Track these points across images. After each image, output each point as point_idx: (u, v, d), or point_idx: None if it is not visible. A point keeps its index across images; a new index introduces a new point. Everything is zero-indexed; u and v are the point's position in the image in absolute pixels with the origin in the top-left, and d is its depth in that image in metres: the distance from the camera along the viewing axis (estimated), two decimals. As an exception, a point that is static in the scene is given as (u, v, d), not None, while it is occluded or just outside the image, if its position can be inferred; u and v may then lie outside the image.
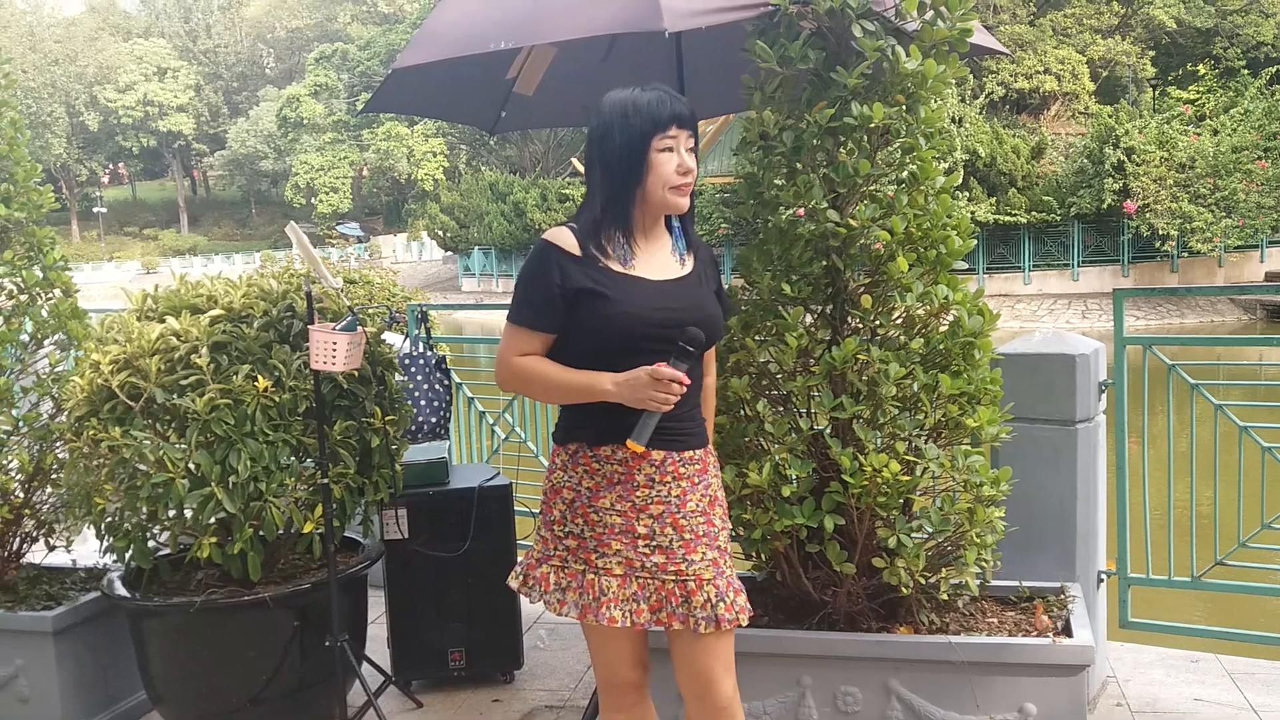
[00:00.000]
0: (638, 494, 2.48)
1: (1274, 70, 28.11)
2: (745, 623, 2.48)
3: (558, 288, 2.44)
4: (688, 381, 2.37)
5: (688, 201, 2.49)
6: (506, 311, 2.55)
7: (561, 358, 2.51)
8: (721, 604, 2.45)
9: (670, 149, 2.43)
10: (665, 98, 2.45)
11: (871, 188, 3.09)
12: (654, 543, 2.47)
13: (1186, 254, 25.41)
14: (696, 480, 2.52)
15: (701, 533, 2.49)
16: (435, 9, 3.51)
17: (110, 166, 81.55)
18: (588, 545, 2.51)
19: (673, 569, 2.46)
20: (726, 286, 2.78)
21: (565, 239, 2.48)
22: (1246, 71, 31.17)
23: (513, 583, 2.65)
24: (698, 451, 2.54)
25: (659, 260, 2.53)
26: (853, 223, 3.00)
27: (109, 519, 3.56)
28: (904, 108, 3.01)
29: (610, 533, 2.49)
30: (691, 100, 3.78)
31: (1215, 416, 3.92)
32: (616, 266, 2.46)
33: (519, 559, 2.74)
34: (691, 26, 2.88)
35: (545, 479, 2.62)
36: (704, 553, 2.47)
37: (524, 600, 4.22)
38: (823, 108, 2.96)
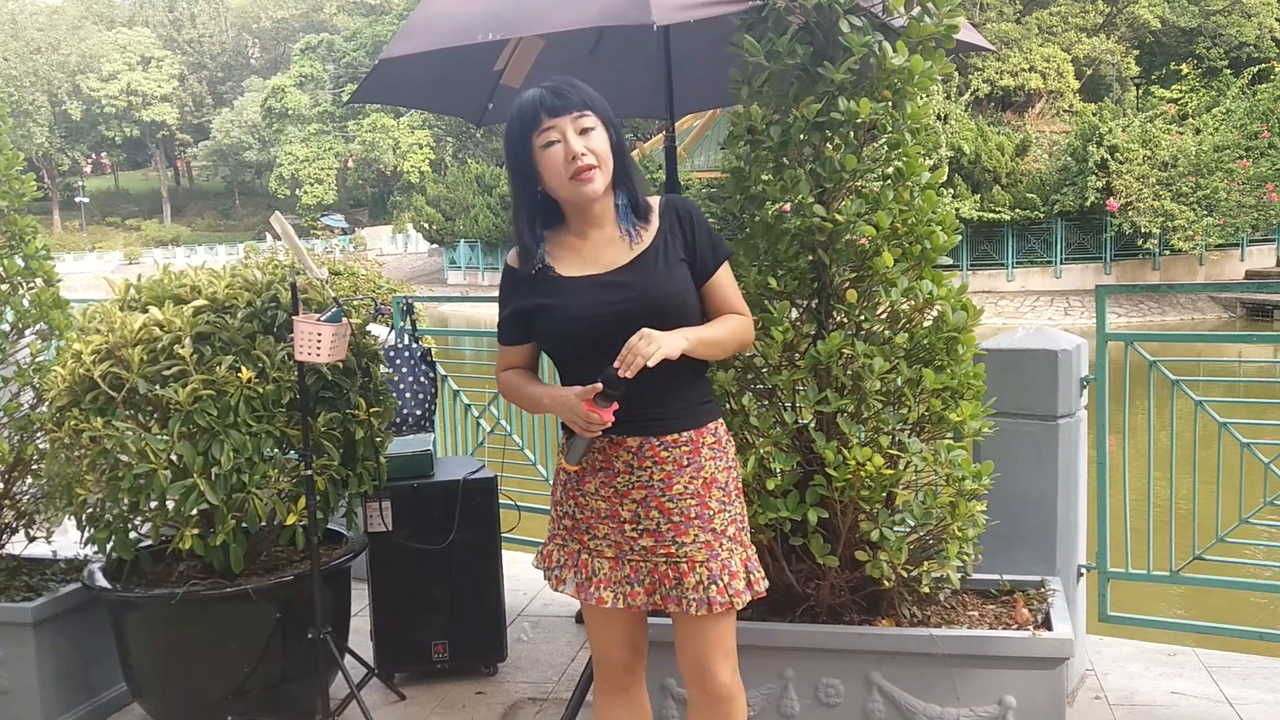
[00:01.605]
0: (618, 480, 2.49)
1: (1256, 70, 28.26)
2: (739, 605, 2.47)
3: (512, 308, 2.54)
4: (609, 421, 2.36)
5: (596, 185, 2.40)
6: (493, 305, 2.60)
7: (554, 359, 2.59)
8: (714, 586, 2.43)
9: (554, 141, 2.38)
10: (539, 93, 2.39)
11: (858, 183, 3.10)
12: (640, 526, 2.48)
13: (1168, 252, 25.55)
14: (685, 462, 2.48)
15: (693, 515, 2.46)
16: (423, 0, 3.51)
17: (93, 156, 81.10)
18: (580, 526, 2.55)
19: (663, 551, 2.46)
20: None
21: (513, 259, 2.56)
22: (1229, 71, 31.33)
23: (534, 563, 2.69)
24: (684, 434, 2.49)
25: (609, 247, 2.49)
26: (839, 218, 3.00)
27: (90, 510, 3.55)
28: (890, 103, 3.02)
29: (597, 516, 2.51)
30: (679, 94, 3.83)
31: (1195, 413, 3.95)
32: (562, 271, 2.48)
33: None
34: (680, 20, 2.89)
35: (556, 461, 2.68)
36: (695, 535, 2.46)
37: (507, 593, 4.25)
38: (810, 102, 2.96)
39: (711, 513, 2.49)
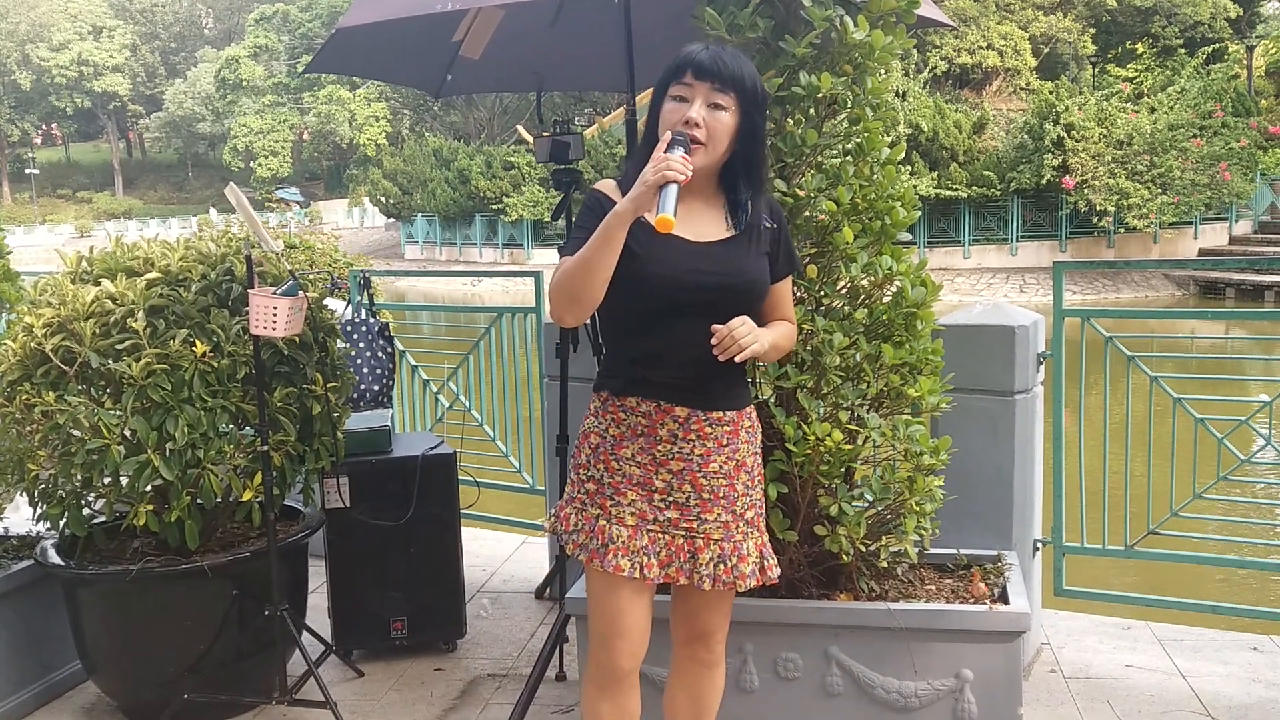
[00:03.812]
0: (659, 448, 2.48)
1: (1210, 50, 28.59)
2: (741, 589, 2.52)
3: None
4: (684, 160, 2.27)
5: (695, 156, 2.36)
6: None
7: (608, 317, 2.54)
8: (721, 566, 2.48)
9: (683, 98, 2.39)
10: (701, 51, 2.40)
11: (818, 158, 3.10)
12: (670, 498, 2.48)
13: (1123, 230, 25.81)
14: (724, 442, 2.51)
15: (721, 494, 2.50)
16: (379, -31, 3.45)
17: (43, 127, 79.57)
18: (604, 491, 2.51)
19: (684, 525, 2.48)
20: None
21: (608, 186, 2.51)
22: (1184, 51, 31.69)
23: (545, 523, 2.67)
24: (728, 413, 2.51)
25: (705, 220, 2.48)
26: (800, 192, 3.00)
27: (42, 486, 3.50)
28: (851, 78, 3.02)
29: (628, 482, 2.49)
30: (640, 67, 3.80)
31: (1150, 388, 3.99)
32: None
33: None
34: (640, -8, 2.86)
35: (581, 424, 2.63)
36: (718, 514, 2.50)
37: (466, 569, 4.24)
38: (771, 76, 2.95)
39: (736, 495, 2.53)
